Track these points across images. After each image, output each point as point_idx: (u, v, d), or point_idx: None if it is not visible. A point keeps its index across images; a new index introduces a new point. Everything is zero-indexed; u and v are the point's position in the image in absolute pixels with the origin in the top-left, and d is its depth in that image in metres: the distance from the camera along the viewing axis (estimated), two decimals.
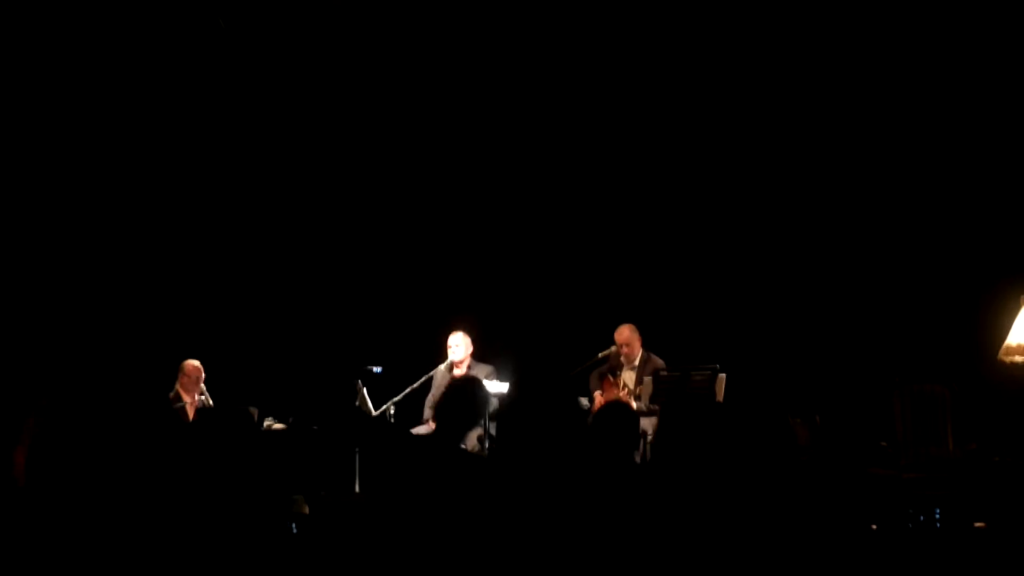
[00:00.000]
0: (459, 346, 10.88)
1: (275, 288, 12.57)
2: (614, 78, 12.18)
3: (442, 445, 5.79)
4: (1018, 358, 9.42)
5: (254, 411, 10.44)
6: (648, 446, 9.88)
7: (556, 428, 5.71)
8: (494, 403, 10.07)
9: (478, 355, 10.99)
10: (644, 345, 10.81)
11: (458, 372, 10.74)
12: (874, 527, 8.32)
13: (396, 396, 10.59)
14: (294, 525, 9.37)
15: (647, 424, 9.64)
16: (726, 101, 12.03)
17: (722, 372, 9.92)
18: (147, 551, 7.95)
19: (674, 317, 11.78)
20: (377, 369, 10.88)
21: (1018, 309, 9.43)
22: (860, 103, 11.72)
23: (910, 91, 11.55)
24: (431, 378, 10.98)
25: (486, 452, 9.40)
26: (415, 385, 10.83)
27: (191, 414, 10.71)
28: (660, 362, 10.62)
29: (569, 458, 5.69)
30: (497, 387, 10.20)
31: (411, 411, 10.85)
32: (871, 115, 11.72)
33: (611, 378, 10.83)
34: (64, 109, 11.92)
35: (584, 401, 10.75)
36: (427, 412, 10.78)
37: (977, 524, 8.49)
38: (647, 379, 10.37)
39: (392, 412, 10.62)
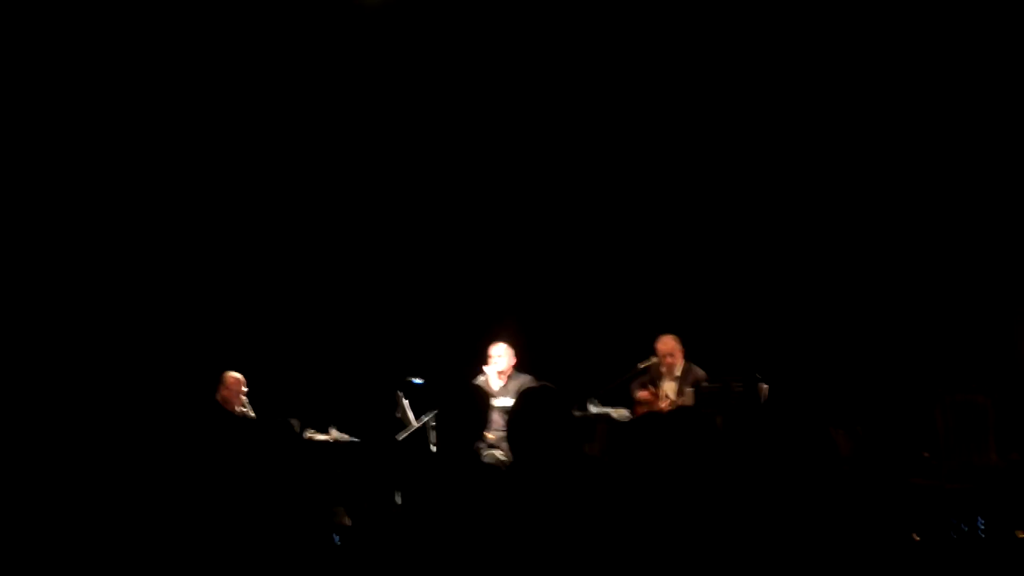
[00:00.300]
0: (501, 357, 10.85)
1: (317, 299, 12.61)
2: (649, 87, 12.20)
3: (452, 456, 5.82)
4: None
5: (296, 422, 10.53)
6: None
7: (554, 436, 5.72)
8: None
9: (521, 366, 10.96)
10: (685, 356, 10.80)
11: (499, 382, 10.74)
12: (917, 537, 8.30)
13: (437, 408, 10.56)
14: (337, 536, 9.39)
15: None
16: (763, 111, 12.03)
17: (764, 382, 9.92)
18: (187, 560, 7.99)
19: (715, 327, 11.76)
20: (418, 381, 10.90)
21: None
22: (904, 112, 11.69)
23: (962, 98, 11.50)
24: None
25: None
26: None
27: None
28: (701, 372, 10.60)
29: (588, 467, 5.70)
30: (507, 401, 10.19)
31: None
32: (910, 124, 11.68)
33: (652, 389, 10.83)
34: (123, 115, 12.03)
35: (624, 412, 10.73)
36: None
37: (1020, 533, 8.46)
38: (688, 390, 10.36)
39: (433, 423, 10.61)
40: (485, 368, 10.85)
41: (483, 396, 6.25)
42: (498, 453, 10.11)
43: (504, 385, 10.69)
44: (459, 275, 12.67)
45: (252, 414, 10.93)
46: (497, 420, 10.37)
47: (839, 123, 11.85)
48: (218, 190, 12.49)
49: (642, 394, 10.79)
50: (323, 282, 12.67)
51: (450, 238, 12.74)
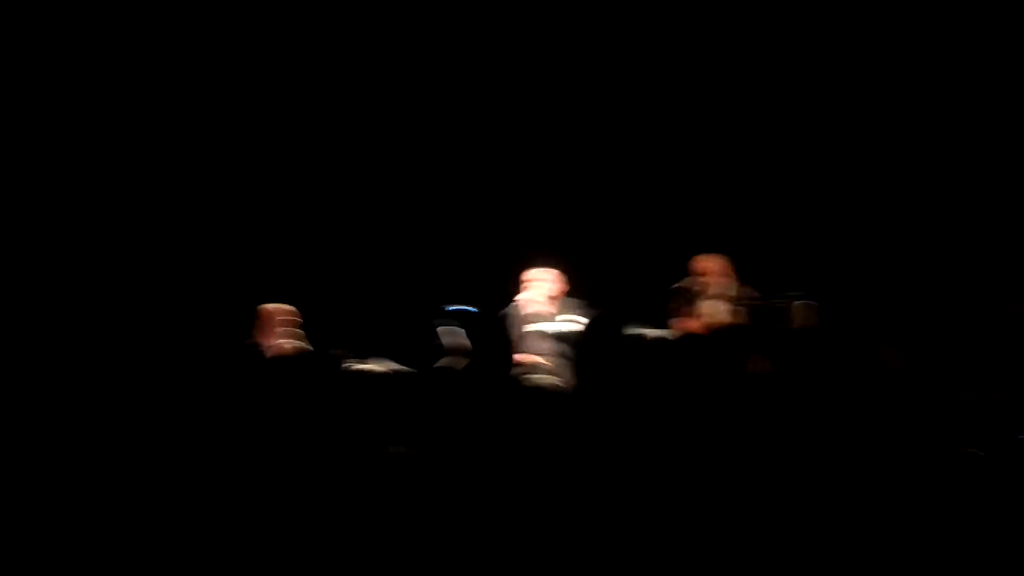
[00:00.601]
0: (546, 281, 10.83)
1: (362, 228, 12.59)
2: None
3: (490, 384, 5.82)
4: None
5: (342, 352, 10.53)
6: None
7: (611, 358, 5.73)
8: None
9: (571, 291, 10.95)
10: (729, 273, 10.73)
11: (546, 308, 10.71)
12: (969, 451, 8.30)
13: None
14: (386, 465, 9.42)
15: None
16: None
17: (810, 300, 9.88)
18: (244, 490, 8.07)
19: (763, 243, 11.70)
20: (462, 309, 10.86)
21: None
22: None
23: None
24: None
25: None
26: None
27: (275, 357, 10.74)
28: (742, 290, 10.54)
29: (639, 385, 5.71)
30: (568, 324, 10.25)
31: None
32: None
33: (688, 307, 10.76)
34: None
35: (656, 332, 10.69)
36: None
37: None
38: (727, 307, 10.31)
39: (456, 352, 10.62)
40: (523, 295, 10.84)
41: (507, 326, 6.24)
42: (543, 378, 10.11)
43: (553, 310, 10.66)
44: (500, 199, 12.60)
45: (296, 347, 10.86)
46: (544, 346, 10.38)
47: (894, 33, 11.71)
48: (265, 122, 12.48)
49: (677, 325, 10.75)
50: (371, 208, 12.65)
51: (495, 163, 12.64)
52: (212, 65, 12.28)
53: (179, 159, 12.39)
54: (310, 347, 10.80)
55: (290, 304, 11.07)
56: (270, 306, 10.99)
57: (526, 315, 10.77)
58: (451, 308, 10.95)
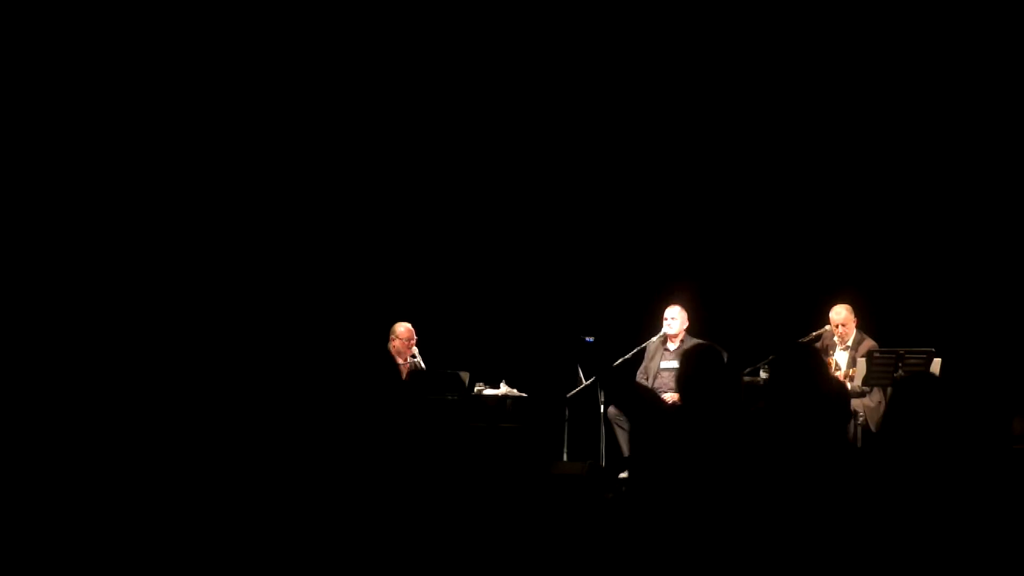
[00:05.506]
0: (675, 319, 10.85)
1: (492, 254, 12.70)
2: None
3: (695, 418, 5.73)
4: None
5: (465, 375, 10.65)
6: (859, 427, 9.89)
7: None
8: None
9: (694, 330, 10.97)
10: (858, 325, 10.67)
11: (672, 346, 10.75)
12: None
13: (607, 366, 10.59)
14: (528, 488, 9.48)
15: (858, 405, 9.70)
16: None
17: (937, 356, 9.76)
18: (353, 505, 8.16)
19: (891, 298, 11.55)
20: (590, 339, 10.94)
21: None
22: None
23: None
24: (643, 350, 11.02)
25: None
26: (627, 356, 10.89)
27: (403, 375, 10.89)
28: (873, 343, 10.46)
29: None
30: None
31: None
32: None
33: (823, 357, 10.72)
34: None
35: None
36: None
37: None
38: (860, 360, 10.23)
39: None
40: (666, 331, 10.86)
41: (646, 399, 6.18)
42: None
43: (676, 348, 10.69)
44: (638, 235, 12.56)
45: (423, 365, 11.04)
46: (667, 383, 10.37)
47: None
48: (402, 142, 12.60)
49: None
50: (499, 238, 12.72)
51: (631, 198, 12.60)
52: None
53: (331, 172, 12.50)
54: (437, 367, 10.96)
55: (418, 324, 11.22)
56: (408, 325, 11.14)
57: (659, 350, 10.86)
58: (587, 339, 11.03)
